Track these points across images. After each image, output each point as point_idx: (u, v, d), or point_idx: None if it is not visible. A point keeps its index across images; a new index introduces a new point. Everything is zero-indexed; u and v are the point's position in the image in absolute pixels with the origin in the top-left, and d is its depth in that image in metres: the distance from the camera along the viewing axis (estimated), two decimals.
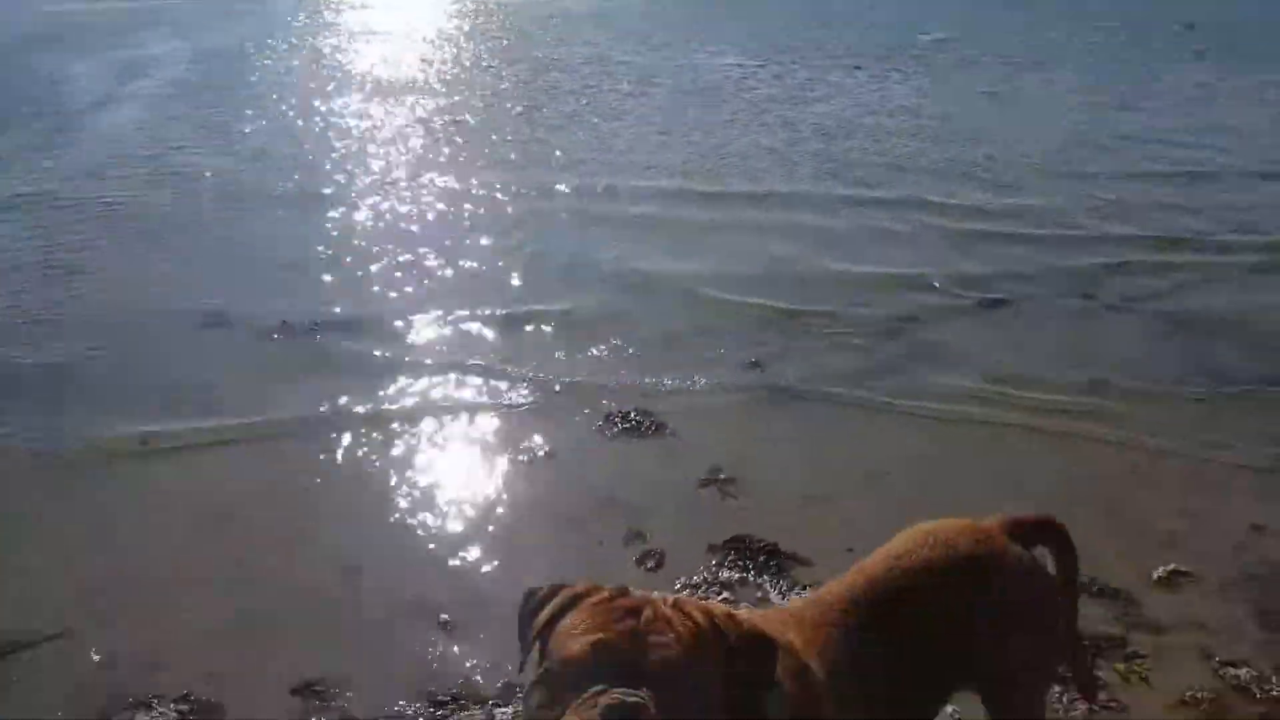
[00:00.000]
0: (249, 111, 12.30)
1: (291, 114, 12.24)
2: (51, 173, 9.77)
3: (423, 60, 15.73)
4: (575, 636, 1.54)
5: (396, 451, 4.93)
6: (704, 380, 5.64)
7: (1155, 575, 3.85)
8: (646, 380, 5.62)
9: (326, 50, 16.82)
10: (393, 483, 4.67)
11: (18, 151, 10.64)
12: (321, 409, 5.30)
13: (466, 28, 19.04)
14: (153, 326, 6.42)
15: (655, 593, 1.74)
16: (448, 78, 14.42)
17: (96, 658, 3.52)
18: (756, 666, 1.63)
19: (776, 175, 9.53)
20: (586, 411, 5.27)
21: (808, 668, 1.90)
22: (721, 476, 4.67)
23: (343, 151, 10.57)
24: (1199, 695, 3.24)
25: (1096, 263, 7.26)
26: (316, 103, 12.72)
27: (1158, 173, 9.33)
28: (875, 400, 5.37)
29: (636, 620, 1.55)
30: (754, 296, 6.71)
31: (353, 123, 11.77)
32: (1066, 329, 6.32)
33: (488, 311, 6.59)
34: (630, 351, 5.96)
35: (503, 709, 3.26)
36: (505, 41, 17.29)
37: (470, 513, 4.46)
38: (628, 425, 5.14)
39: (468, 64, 15.48)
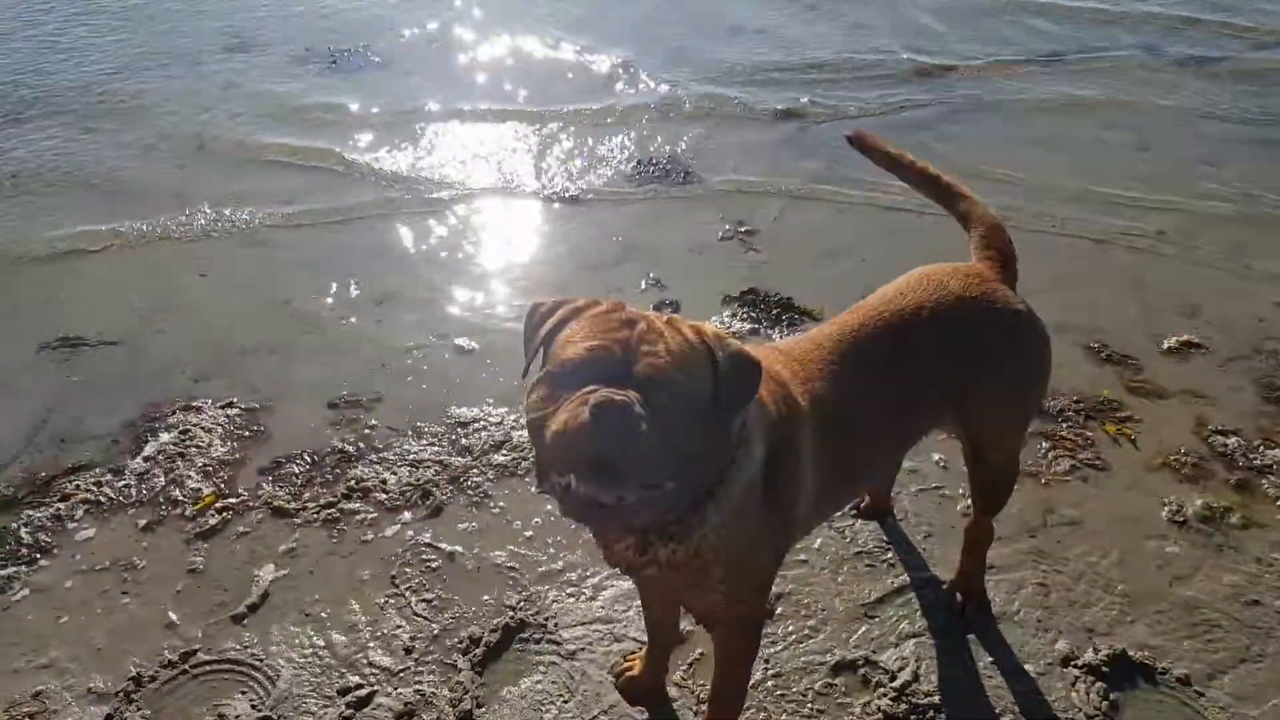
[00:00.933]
0: None
1: None
2: None
3: None
4: (574, 343, 1.63)
5: (425, 201, 4.93)
6: (735, 134, 5.48)
7: (1166, 344, 3.84)
8: (679, 131, 5.46)
9: None
10: (422, 231, 4.71)
11: None
12: (350, 158, 5.27)
13: None
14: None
15: (652, 310, 1.79)
16: None
17: (147, 367, 3.76)
18: (740, 383, 1.70)
19: None
20: (617, 158, 5.19)
21: (791, 395, 1.98)
22: (744, 229, 4.63)
23: None
24: (1182, 459, 3.32)
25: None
26: None
27: None
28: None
29: (631, 331, 1.63)
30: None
31: None
32: (1120, 92, 5.93)
33: (515, 69, 6.35)
34: (664, 105, 5.77)
35: (520, 431, 3.47)
36: None
37: (495, 255, 4.52)
38: (658, 173, 5.06)
39: None
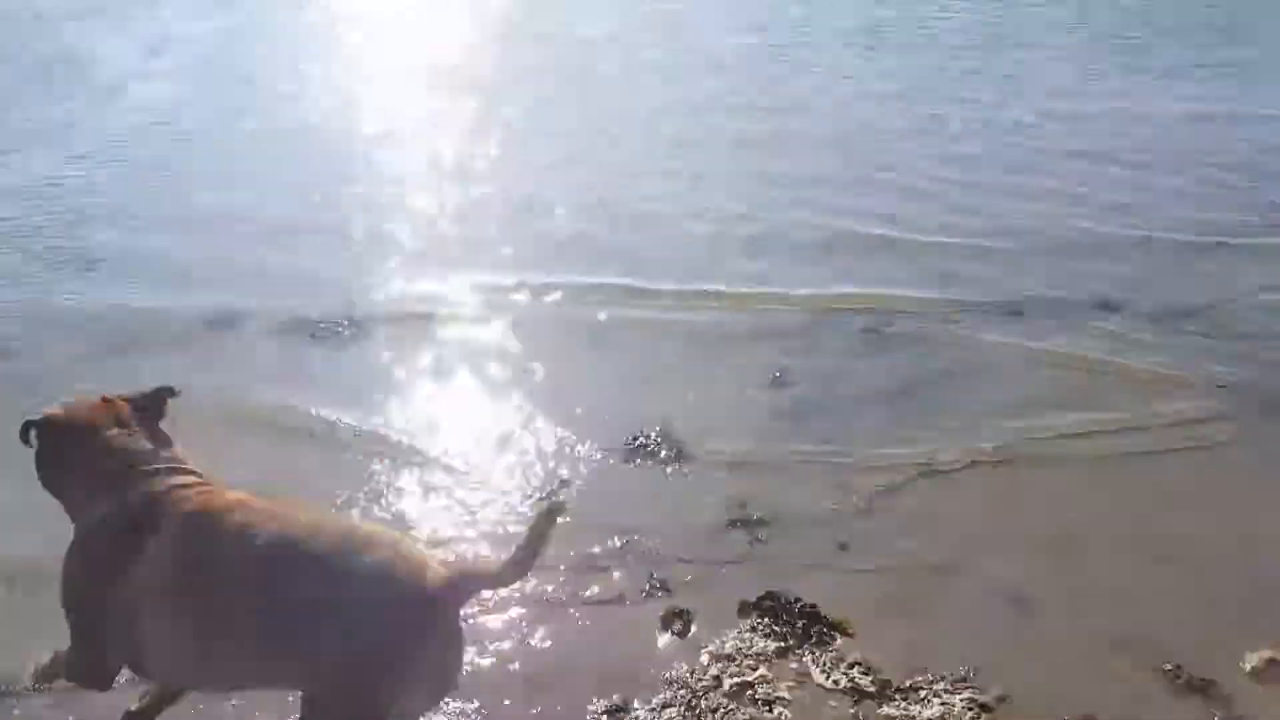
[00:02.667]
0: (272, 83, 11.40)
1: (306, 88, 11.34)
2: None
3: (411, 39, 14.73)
4: None
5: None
6: (725, 399, 4.90)
7: (1248, 665, 3.17)
8: (665, 399, 4.86)
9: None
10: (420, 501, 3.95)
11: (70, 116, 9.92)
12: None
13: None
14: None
15: None
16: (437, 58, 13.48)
17: None
18: None
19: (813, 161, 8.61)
20: (603, 433, 4.52)
21: None
22: (752, 517, 3.90)
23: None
24: None
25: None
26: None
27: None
28: (908, 422, 4.66)
29: None
30: (778, 303, 5.96)
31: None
32: (1092, 348, 5.56)
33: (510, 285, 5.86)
34: (648, 371, 5.19)
35: None
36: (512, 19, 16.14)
37: (482, 544, 3.75)
38: (647, 450, 4.39)
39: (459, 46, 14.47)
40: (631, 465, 4.31)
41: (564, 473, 4.23)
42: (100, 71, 13.32)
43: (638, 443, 4.40)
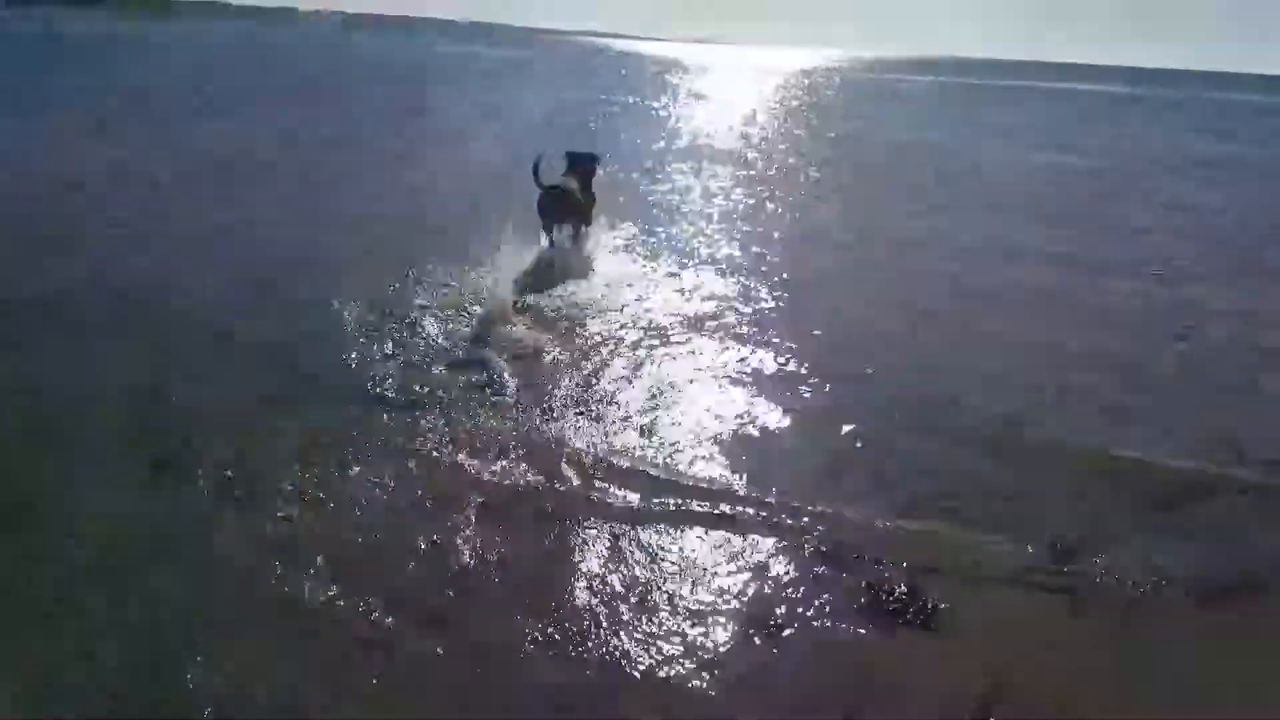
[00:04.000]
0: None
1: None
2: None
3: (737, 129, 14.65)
4: None
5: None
6: (996, 559, 3.74)
7: None
8: (921, 541, 3.83)
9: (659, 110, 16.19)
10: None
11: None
12: None
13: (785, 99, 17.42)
14: None
15: None
16: (757, 147, 13.17)
17: None
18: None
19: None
20: (837, 574, 3.52)
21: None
22: None
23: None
24: None
25: None
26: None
27: None
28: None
29: None
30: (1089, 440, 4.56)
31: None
32: None
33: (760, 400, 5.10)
34: (907, 493, 4.17)
35: None
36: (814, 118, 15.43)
37: (681, 700, 2.96)
38: (888, 604, 3.40)
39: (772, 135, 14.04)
40: (868, 621, 3.34)
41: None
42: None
43: (879, 591, 3.42)
